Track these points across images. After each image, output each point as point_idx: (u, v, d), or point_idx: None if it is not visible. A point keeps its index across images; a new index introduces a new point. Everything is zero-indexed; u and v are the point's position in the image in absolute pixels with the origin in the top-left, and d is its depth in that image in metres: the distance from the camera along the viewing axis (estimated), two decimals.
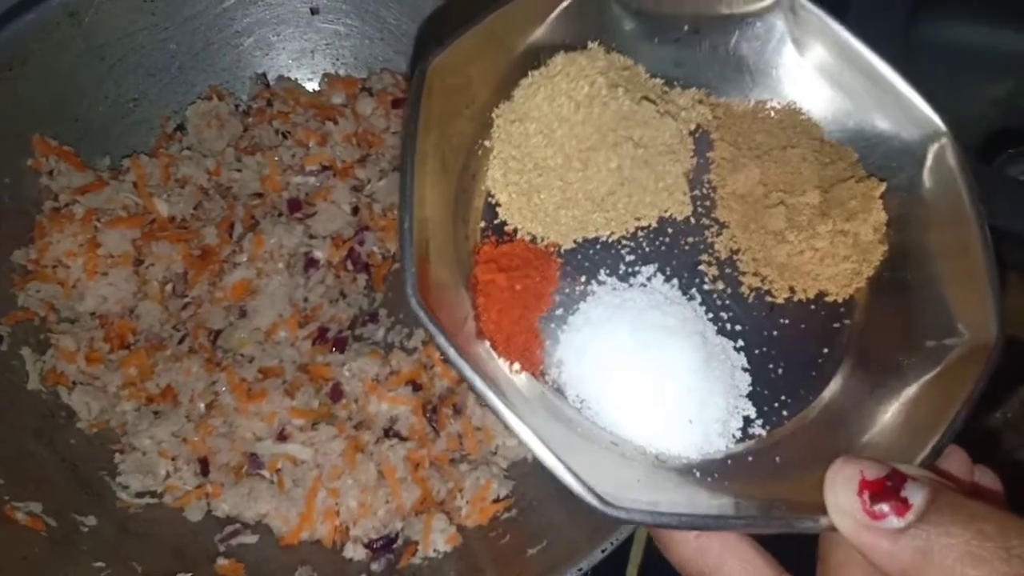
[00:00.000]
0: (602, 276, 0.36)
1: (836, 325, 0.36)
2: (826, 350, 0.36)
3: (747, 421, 0.34)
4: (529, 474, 0.55)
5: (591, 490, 0.28)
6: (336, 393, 0.56)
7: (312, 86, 0.68)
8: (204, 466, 0.53)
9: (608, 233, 0.36)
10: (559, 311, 0.34)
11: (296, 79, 0.68)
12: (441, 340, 0.28)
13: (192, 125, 0.64)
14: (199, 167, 0.63)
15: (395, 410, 0.56)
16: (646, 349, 0.32)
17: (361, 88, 0.67)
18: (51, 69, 0.60)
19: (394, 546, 0.52)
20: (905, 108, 0.36)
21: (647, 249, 0.36)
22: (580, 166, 0.34)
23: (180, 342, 0.57)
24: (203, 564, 0.49)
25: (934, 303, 0.34)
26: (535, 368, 0.33)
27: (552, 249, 0.36)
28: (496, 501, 0.53)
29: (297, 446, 0.53)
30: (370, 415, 0.56)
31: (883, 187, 0.36)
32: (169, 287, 0.59)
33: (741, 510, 0.30)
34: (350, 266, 0.62)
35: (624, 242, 0.36)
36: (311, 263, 0.61)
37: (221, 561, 0.50)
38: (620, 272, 0.35)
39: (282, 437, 0.54)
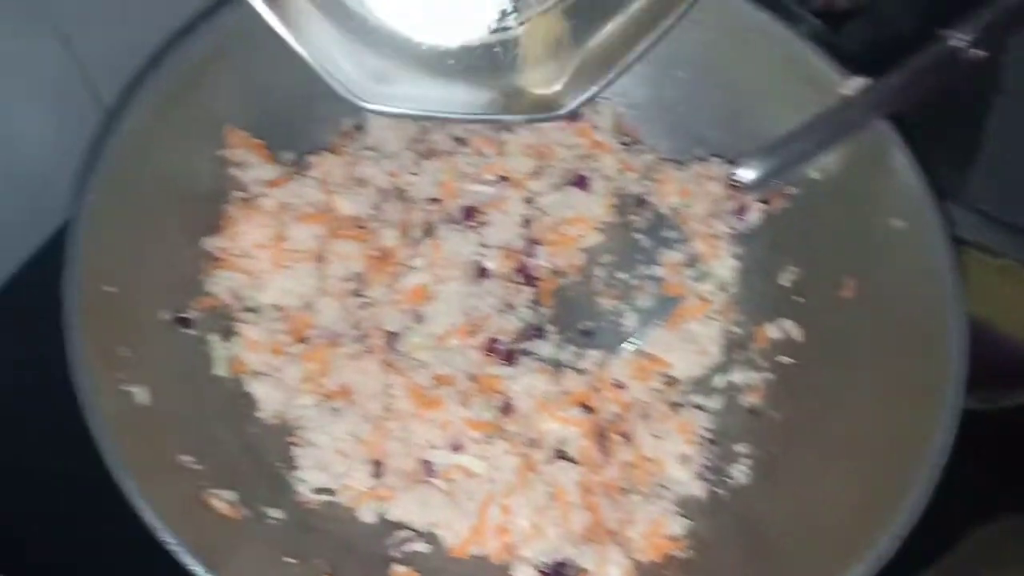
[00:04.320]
0: None
1: None
2: None
3: (503, 14, 0.39)
4: (704, 513, 0.54)
5: (344, 85, 0.33)
6: (507, 408, 0.56)
7: None
8: (378, 468, 0.54)
9: None
10: None
11: None
12: None
13: (372, 126, 0.65)
14: (379, 168, 0.63)
15: (565, 431, 0.55)
16: None
17: None
18: (246, 64, 0.61)
19: (565, 572, 0.51)
20: None
21: None
22: None
23: (357, 341, 0.58)
24: (379, 568, 0.50)
25: None
26: None
27: None
28: (671, 539, 0.52)
29: (472, 458, 0.53)
30: (540, 433, 0.55)
31: None
32: (348, 285, 0.60)
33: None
34: (517, 278, 0.62)
35: None
36: (482, 272, 0.61)
37: (398, 568, 0.50)
38: None
39: (456, 447, 0.54)
